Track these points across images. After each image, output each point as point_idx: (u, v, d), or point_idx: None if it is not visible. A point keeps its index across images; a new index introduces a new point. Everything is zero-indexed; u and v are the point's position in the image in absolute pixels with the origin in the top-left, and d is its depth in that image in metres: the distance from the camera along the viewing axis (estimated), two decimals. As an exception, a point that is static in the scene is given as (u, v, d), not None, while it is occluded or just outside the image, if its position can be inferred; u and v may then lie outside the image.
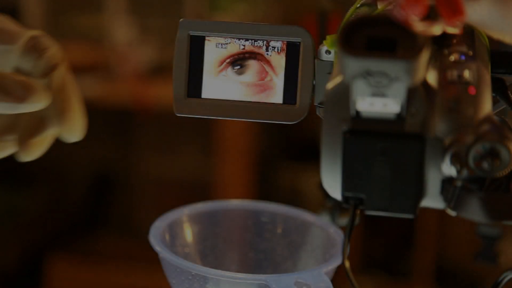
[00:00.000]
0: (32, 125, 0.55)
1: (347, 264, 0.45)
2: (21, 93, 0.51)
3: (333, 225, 0.63)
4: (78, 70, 0.54)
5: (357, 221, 0.71)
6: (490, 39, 0.48)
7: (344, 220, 0.71)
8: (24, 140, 0.55)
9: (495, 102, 0.52)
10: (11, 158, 0.56)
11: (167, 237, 0.61)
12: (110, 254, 2.07)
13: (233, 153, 1.90)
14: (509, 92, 0.51)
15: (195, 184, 2.14)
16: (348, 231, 0.46)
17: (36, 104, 0.52)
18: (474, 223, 0.73)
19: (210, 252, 0.66)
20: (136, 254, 1.92)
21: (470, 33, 0.47)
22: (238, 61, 0.54)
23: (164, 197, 2.16)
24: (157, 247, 0.57)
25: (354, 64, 0.40)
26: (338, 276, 0.56)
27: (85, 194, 2.28)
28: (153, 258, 0.59)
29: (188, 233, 0.64)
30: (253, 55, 0.53)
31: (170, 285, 0.59)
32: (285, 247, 0.66)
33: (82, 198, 2.28)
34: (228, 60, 0.54)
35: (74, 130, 0.56)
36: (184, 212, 0.64)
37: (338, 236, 0.61)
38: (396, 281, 2.00)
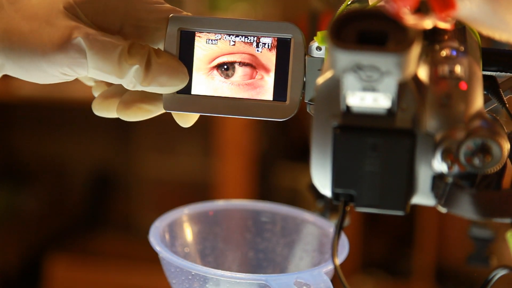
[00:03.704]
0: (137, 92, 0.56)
1: (336, 261, 0.45)
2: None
3: (333, 225, 0.63)
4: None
5: (348, 221, 0.71)
6: (482, 37, 0.48)
7: (335, 221, 0.71)
8: (124, 104, 0.56)
9: (487, 100, 0.52)
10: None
11: (167, 237, 0.61)
12: (110, 254, 2.07)
13: (233, 153, 1.90)
14: (500, 89, 0.51)
15: (195, 184, 2.14)
16: (338, 228, 0.45)
17: (179, 87, 0.53)
18: (473, 223, 0.73)
19: (210, 252, 0.66)
20: (136, 254, 1.92)
21: (461, 29, 0.47)
22: (226, 64, 0.54)
23: (164, 197, 2.16)
24: (157, 247, 0.57)
25: (345, 58, 0.40)
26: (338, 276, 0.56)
27: (85, 194, 2.28)
28: (153, 258, 0.59)
29: (188, 233, 0.64)
30: (242, 61, 0.53)
31: (170, 285, 0.59)
32: (285, 246, 0.66)
33: (82, 198, 2.28)
34: (216, 64, 0.54)
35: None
36: (184, 212, 0.64)
37: (338, 236, 0.61)
38: (396, 281, 2.00)
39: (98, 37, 0.50)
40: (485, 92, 0.51)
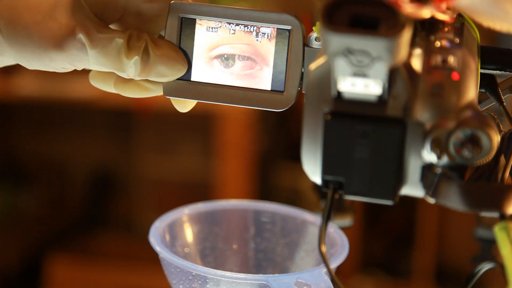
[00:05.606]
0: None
1: (323, 248, 0.44)
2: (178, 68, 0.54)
3: (333, 225, 0.63)
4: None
5: (351, 222, 0.71)
6: (484, 35, 0.48)
7: (338, 221, 0.71)
8: (122, 78, 0.56)
9: (485, 99, 0.52)
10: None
11: (167, 237, 0.61)
12: (110, 254, 2.07)
13: (233, 153, 1.90)
14: (499, 88, 0.51)
15: (195, 184, 2.14)
16: (326, 216, 0.45)
17: (177, 76, 0.54)
18: (474, 224, 0.73)
19: (210, 252, 0.66)
20: (136, 254, 1.92)
21: (460, 25, 0.47)
22: (226, 55, 0.54)
23: (164, 197, 2.16)
24: (157, 247, 0.57)
25: (335, 41, 0.39)
26: (338, 276, 0.56)
27: (85, 194, 2.28)
28: (153, 258, 0.59)
29: (188, 233, 0.64)
30: (242, 54, 0.54)
31: (170, 285, 0.58)
32: (285, 246, 0.66)
33: (82, 198, 2.28)
34: (216, 54, 0.54)
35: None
36: (184, 212, 0.64)
37: (338, 236, 0.61)
38: (396, 281, 2.00)
39: (99, 35, 0.51)
40: (483, 91, 0.51)
